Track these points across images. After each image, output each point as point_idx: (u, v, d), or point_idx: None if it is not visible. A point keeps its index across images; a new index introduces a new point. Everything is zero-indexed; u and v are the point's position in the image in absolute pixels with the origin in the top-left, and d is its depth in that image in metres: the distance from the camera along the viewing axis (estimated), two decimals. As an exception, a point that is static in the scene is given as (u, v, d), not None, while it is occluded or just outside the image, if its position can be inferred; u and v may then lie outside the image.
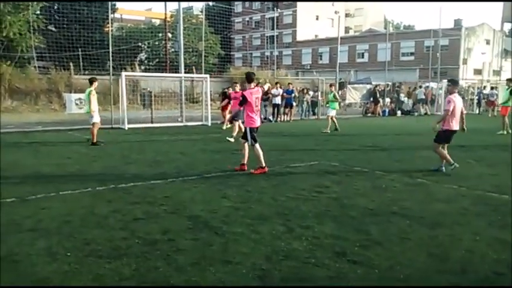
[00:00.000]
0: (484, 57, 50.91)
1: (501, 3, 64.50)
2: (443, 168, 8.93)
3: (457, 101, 8.83)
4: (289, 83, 23.01)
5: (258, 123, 8.74)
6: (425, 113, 27.97)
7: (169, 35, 37.17)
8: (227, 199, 6.56)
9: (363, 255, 4.43)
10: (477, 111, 30.62)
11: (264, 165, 8.55)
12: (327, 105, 18.54)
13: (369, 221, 5.59)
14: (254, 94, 8.57)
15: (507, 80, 17.43)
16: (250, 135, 8.56)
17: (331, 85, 19.02)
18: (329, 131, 16.44)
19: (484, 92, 32.08)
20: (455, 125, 8.91)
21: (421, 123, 21.93)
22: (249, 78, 8.78)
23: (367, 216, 5.77)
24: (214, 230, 5.15)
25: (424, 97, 28.58)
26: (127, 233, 5.02)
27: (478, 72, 49.68)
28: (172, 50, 38.02)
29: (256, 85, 9.56)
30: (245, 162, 8.77)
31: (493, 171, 9.10)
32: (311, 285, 3.87)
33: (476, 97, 31.30)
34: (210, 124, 18.99)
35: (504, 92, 16.83)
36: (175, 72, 22.14)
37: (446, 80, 33.96)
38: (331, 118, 17.04)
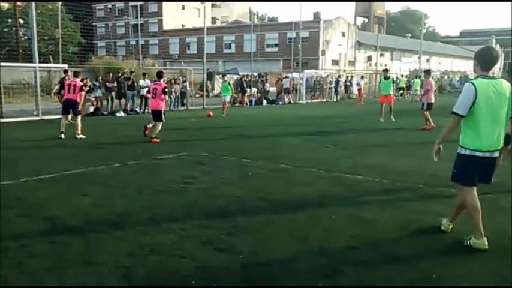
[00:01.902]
0: (340, 49, 55.05)
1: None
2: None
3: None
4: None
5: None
6: (289, 102, 29.41)
7: (21, 21, 33.80)
8: (88, 196, 6.17)
9: (229, 243, 4.48)
10: (335, 99, 33.02)
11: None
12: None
13: (235, 208, 5.68)
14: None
15: (383, 70, 18.63)
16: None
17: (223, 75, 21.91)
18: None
19: (341, 80, 34.71)
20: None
21: (285, 111, 23.04)
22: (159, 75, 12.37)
23: (234, 204, 5.86)
24: (73, 231, 4.80)
25: (288, 86, 30.02)
26: (-31, 242, 4.44)
27: (335, 62, 53.59)
28: (25, 37, 34.71)
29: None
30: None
31: (348, 154, 9.87)
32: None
33: (334, 86, 33.68)
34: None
35: (383, 83, 17.64)
36: (30, 62, 20.21)
37: (312, 70, 36.32)
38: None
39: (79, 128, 12.20)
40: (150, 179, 7.26)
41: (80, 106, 12.74)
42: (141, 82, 20.55)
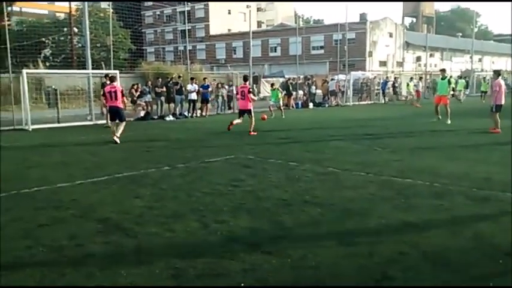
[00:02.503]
0: (387, 50, 54.04)
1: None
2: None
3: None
4: (204, 78, 22.84)
5: None
6: (336, 104, 29.13)
7: (75, 29, 35.30)
8: (140, 199, 6.36)
9: (277, 246, 4.50)
10: (383, 101, 32.39)
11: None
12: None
13: (283, 211, 5.69)
14: None
15: (441, 70, 18.20)
16: None
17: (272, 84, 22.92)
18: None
19: (389, 82, 34.05)
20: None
21: (332, 113, 22.84)
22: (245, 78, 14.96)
23: (281, 207, 5.87)
24: (125, 232, 4.96)
25: (334, 89, 29.75)
26: (30, 241, 4.68)
27: (383, 64, 52.66)
28: (79, 45, 36.20)
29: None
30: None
31: (397, 157, 9.66)
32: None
33: (381, 87, 33.07)
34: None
35: (440, 83, 17.23)
36: (83, 69, 21.07)
37: (359, 72, 35.78)
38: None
39: (120, 131, 12.36)
40: (199, 182, 7.39)
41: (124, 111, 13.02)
42: (189, 87, 20.98)
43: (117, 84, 13.10)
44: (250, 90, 14.43)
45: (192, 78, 21.81)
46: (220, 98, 23.20)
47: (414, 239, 4.69)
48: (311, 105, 27.99)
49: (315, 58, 51.29)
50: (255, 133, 13.76)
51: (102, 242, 4.65)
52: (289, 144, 12.06)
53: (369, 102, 32.35)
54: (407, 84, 30.99)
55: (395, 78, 36.74)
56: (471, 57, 48.85)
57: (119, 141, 12.09)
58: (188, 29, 49.22)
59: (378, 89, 33.48)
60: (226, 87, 24.07)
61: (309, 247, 4.48)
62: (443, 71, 17.54)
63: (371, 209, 5.77)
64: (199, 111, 21.69)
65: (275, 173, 8.03)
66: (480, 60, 62.50)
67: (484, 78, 37.90)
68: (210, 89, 21.99)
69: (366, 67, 47.82)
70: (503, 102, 13.82)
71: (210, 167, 8.79)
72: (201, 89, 21.46)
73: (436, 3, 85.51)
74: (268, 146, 11.78)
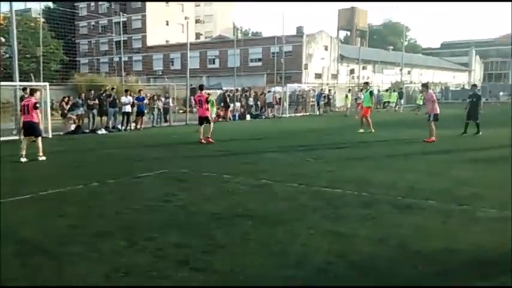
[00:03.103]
0: (323, 62, 55.60)
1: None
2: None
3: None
4: (139, 90, 22.33)
5: None
6: (273, 116, 29.51)
7: (2, 39, 33.52)
8: (64, 217, 6.07)
9: (206, 261, 4.44)
10: (318, 113, 33.18)
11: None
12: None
13: (214, 225, 5.64)
14: None
15: (364, 83, 19.06)
16: None
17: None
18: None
19: (323, 94, 35.00)
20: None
21: (268, 125, 23.10)
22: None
23: (213, 221, 5.82)
24: (46, 254, 4.71)
25: (271, 101, 30.15)
26: None
27: (318, 76, 54.09)
28: (7, 55, 34.41)
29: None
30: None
31: (329, 167, 9.89)
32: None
33: (316, 99, 33.90)
34: (50, 136, 17.52)
35: (365, 95, 18.20)
36: (10, 81, 19.98)
37: (295, 84, 36.49)
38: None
39: (40, 149, 11.30)
40: (129, 198, 7.18)
41: (40, 126, 11.78)
42: (123, 99, 20.46)
43: (38, 97, 12.29)
44: (208, 99, 15.00)
45: (126, 90, 21.29)
46: (156, 110, 22.80)
47: (342, 248, 4.80)
48: (248, 117, 28.18)
49: (253, 70, 51.82)
50: (213, 142, 14.34)
51: (19, 265, 4.39)
52: (225, 156, 12.04)
53: (305, 113, 33.05)
54: (346, 96, 32.07)
55: (329, 90, 37.86)
56: (401, 70, 51.27)
57: (45, 158, 11.29)
58: (124, 40, 48.11)
59: (313, 101, 34.29)
60: (163, 99, 23.72)
61: (238, 260, 4.46)
62: (366, 84, 18.47)
63: (301, 220, 5.85)
64: (133, 124, 21.18)
65: (208, 187, 7.97)
66: (409, 72, 65.70)
67: (414, 89, 39.98)
68: (145, 101, 21.55)
69: (302, 79, 48.89)
70: (439, 111, 14.56)
71: (141, 182, 8.58)
72: (135, 101, 20.99)
73: (369, 17, 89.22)
74: (203, 158, 11.70)
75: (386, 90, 40.38)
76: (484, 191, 7.29)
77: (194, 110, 21.09)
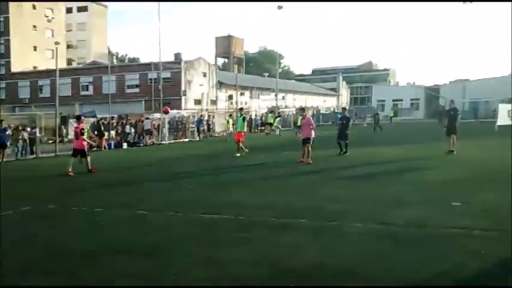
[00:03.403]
0: (202, 89, 56.06)
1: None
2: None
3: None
4: (0, 120, 20.30)
5: None
6: (152, 143, 28.84)
7: None
8: None
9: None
10: (198, 138, 33.21)
11: None
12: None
13: (82, 263, 5.23)
14: None
15: (239, 109, 19.39)
16: None
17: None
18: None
19: (203, 120, 35.22)
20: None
21: (146, 153, 22.47)
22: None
23: (81, 259, 5.40)
24: None
25: (149, 128, 29.49)
26: None
27: (198, 102, 54.32)
28: None
29: None
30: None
31: (207, 193, 9.85)
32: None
33: (196, 125, 33.97)
34: None
35: (238, 120, 18.67)
36: None
37: (175, 111, 36.05)
38: None
39: None
40: (-18, 241, 6.40)
41: None
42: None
43: None
44: (83, 131, 14.28)
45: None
46: (20, 141, 20.94)
47: (216, 274, 4.75)
48: (125, 145, 27.15)
49: (130, 97, 50.36)
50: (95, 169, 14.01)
51: None
52: (97, 188, 11.33)
53: (185, 139, 32.85)
54: (228, 121, 32.47)
55: (208, 115, 38.22)
56: (276, 95, 53.68)
57: None
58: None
59: (193, 127, 34.29)
60: (28, 129, 21.90)
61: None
62: (240, 109, 19.04)
63: (177, 250, 5.69)
64: (-4, 158, 19.20)
65: (78, 222, 7.44)
66: (283, 97, 69.03)
67: (288, 114, 42.13)
68: (7, 132, 19.67)
69: (182, 105, 48.74)
70: (313, 135, 15.17)
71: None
72: (-4, 133, 19.09)
73: (245, 45, 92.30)
74: (73, 191, 10.90)
75: (271, 112, 42.28)
76: (351, 207, 7.80)
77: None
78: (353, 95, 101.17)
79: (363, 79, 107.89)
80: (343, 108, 21.69)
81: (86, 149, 14.25)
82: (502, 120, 32.84)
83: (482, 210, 7.14)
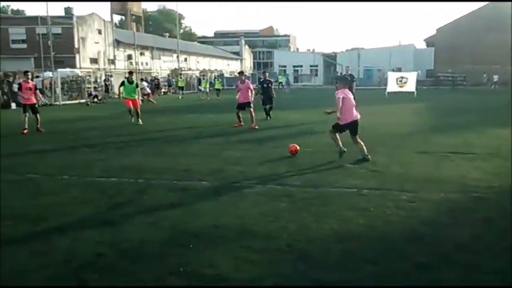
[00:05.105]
0: (98, 47, 52.99)
1: None
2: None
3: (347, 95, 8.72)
4: None
5: None
6: (44, 104, 26.84)
7: None
8: None
9: None
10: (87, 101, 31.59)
11: None
12: None
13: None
14: None
15: (128, 72, 17.43)
16: None
17: None
18: None
19: (100, 80, 33.52)
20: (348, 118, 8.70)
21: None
22: None
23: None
24: None
25: (41, 87, 27.40)
26: None
27: (94, 61, 51.38)
28: None
29: None
30: None
31: (104, 156, 9.50)
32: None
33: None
34: None
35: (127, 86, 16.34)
36: None
37: (68, 69, 33.69)
38: None
39: None
40: None
41: None
42: None
43: None
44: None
45: None
46: None
47: (113, 237, 4.65)
48: (13, 105, 25.01)
49: (17, 53, 46.19)
50: None
51: None
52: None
53: (81, 101, 31.07)
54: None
55: (106, 76, 36.44)
56: (178, 57, 52.55)
57: None
58: None
59: (89, 88, 32.50)
60: None
61: (-9, 269, 3.92)
62: (130, 73, 17.07)
63: (70, 215, 5.46)
64: None
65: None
66: (186, 59, 67.77)
67: (181, 75, 41.42)
68: None
69: (76, 64, 45.84)
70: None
71: None
72: None
73: (143, 3, 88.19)
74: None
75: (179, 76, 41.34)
76: (250, 169, 7.98)
77: None
78: (256, 60, 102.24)
79: (265, 44, 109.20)
80: (264, 72, 20.75)
81: None
82: (391, 87, 35.48)
83: (372, 171, 7.69)
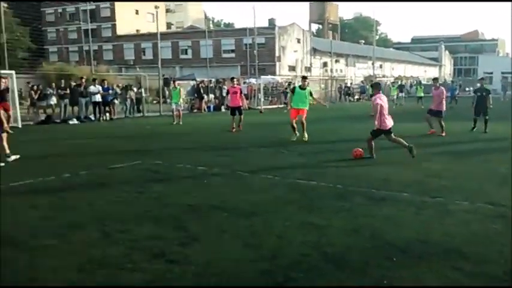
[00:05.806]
0: (296, 55, 55.76)
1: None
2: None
3: (383, 100, 9.56)
4: (103, 80, 21.53)
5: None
6: (249, 108, 29.37)
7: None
8: (36, 209, 5.94)
9: (181, 254, 4.41)
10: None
11: None
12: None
13: (188, 217, 5.61)
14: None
15: (302, 77, 16.32)
16: None
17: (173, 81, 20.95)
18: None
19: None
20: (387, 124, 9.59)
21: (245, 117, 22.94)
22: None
23: (187, 213, 5.79)
24: (17, 246, 4.60)
25: (247, 92, 30.07)
26: None
27: (292, 68, 54.23)
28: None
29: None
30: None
31: (303, 159, 9.96)
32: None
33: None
34: (20, 126, 17.09)
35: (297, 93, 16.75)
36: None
37: (269, 76, 36.35)
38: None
39: (6, 148, 9.52)
40: (102, 189, 7.08)
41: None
42: (91, 88, 20.01)
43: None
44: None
45: (94, 80, 20.86)
46: (128, 100, 22.46)
47: (317, 240, 4.84)
48: (223, 108, 27.97)
49: (226, 62, 51.53)
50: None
51: (-11, 259, 4.27)
52: (199, 148, 11.95)
53: (279, 106, 33.07)
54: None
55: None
56: (373, 64, 51.93)
57: (17, 157, 9.70)
58: (93, 29, 47.07)
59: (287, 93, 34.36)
60: (135, 89, 23.36)
61: (213, 253, 4.46)
62: (304, 78, 13.96)
63: (276, 212, 5.87)
64: (108, 115, 20.79)
65: (183, 178, 7.92)
66: (381, 66, 66.61)
67: (393, 83, 40.20)
68: (110, 91, 21.02)
69: (276, 71, 48.96)
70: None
71: (114, 173, 8.46)
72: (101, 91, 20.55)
73: (340, 11, 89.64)
74: (178, 150, 11.61)
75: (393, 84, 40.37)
76: (453, 183, 7.46)
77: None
78: (456, 66, 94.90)
79: (468, 49, 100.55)
80: (481, 79, 18.00)
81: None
82: None
83: None
